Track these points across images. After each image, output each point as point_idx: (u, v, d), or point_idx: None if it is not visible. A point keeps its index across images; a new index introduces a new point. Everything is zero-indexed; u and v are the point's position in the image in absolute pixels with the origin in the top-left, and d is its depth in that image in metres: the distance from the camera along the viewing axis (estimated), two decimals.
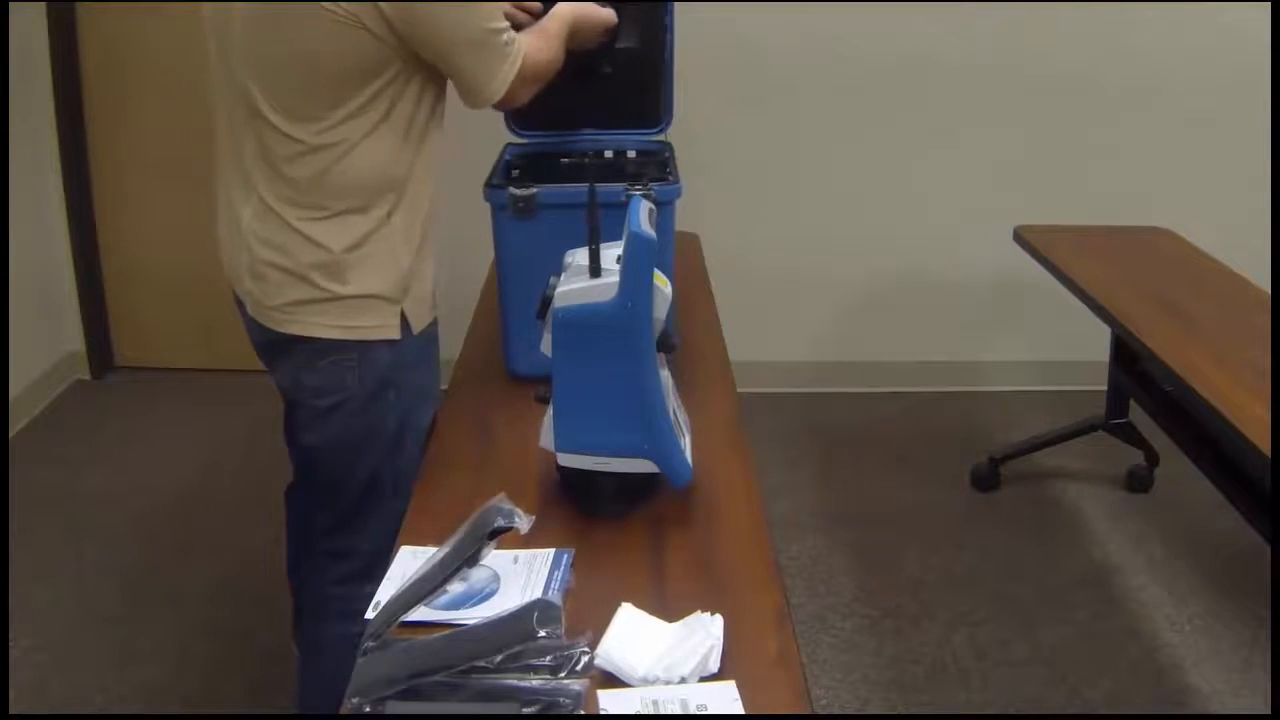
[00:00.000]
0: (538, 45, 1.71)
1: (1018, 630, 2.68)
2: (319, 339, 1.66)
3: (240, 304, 1.79)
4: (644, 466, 1.42)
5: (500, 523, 1.19)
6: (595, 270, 1.39)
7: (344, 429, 1.70)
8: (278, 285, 1.65)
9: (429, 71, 1.62)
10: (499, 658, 1.11)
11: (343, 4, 1.48)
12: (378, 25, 1.50)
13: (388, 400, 1.70)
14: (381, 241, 1.64)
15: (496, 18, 1.61)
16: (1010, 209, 3.33)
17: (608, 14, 1.89)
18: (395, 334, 1.67)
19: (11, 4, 3.43)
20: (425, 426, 1.75)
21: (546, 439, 1.44)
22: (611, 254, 1.38)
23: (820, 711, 2.39)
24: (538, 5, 1.91)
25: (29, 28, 3.59)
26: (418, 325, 1.71)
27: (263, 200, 1.63)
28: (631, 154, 2.05)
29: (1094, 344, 3.30)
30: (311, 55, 1.53)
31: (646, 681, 1.11)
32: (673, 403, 1.46)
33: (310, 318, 1.65)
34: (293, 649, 2.05)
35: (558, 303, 1.38)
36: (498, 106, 1.71)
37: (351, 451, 1.72)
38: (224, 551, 2.94)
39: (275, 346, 1.71)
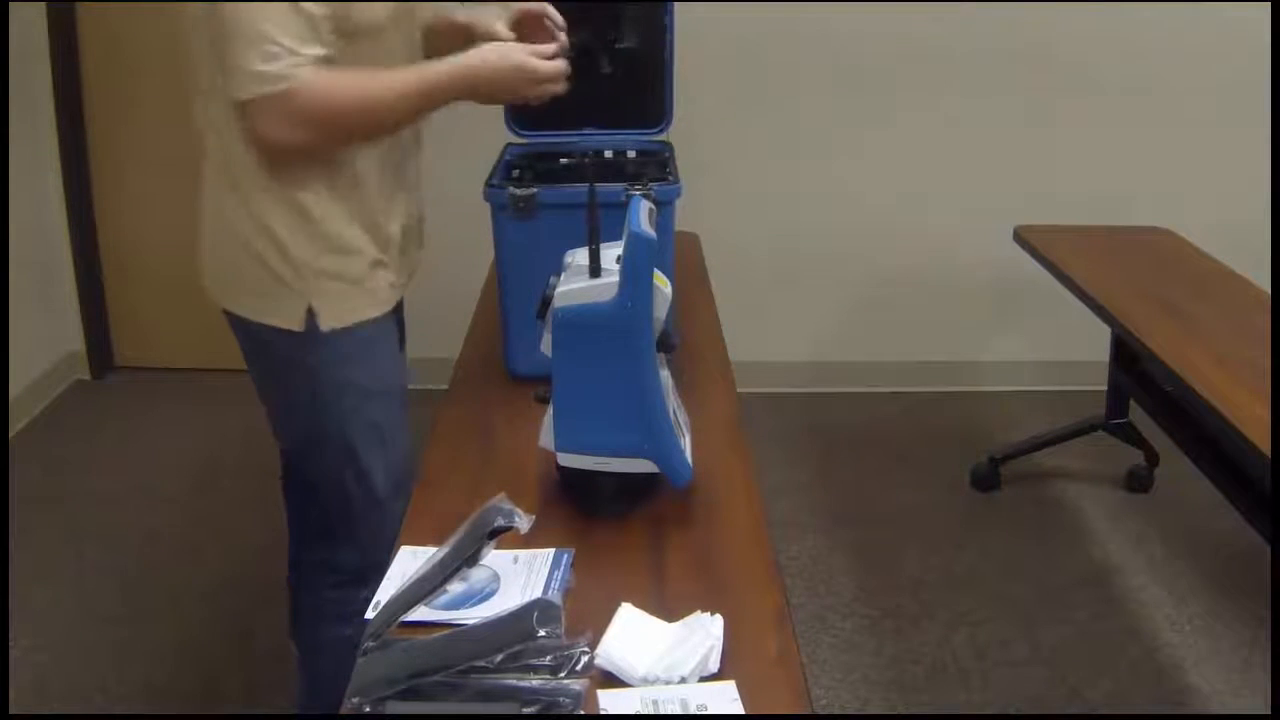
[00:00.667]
0: (345, 85, 1.54)
1: (1018, 630, 2.68)
2: (247, 322, 1.68)
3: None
4: (644, 466, 1.41)
5: (500, 522, 1.19)
6: (595, 270, 1.39)
7: (291, 426, 1.73)
8: (213, 257, 1.70)
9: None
10: (499, 658, 1.11)
11: None
12: None
13: (324, 399, 1.68)
14: (283, 227, 1.61)
15: (285, 28, 1.46)
16: (1010, 209, 3.33)
17: (547, 68, 1.64)
18: (297, 325, 1.64)
19: (11, 4, 3.43)
20: (388, 425, 1.73)
21: (546, 439, 1.44)
22: (611, 254, 1.38)
23: (820, 711, 2.39)
24: (539, 6, 1.82)
25: (29, 27, 3.59)
26: (329, 322, 1.65)
27: (205, 178, 1.67)
28: (631, 154, 2.05)
29: (1094, 344, 3.30)
30: (213, 38, 1.53)
31: (646, 681, 1.11)
32: (673, 403, 1.46)
33: (232, 293, 1.68)
34: (291, 649, 2.05)
35: (558, 303, 1.38)
36: (259, 142, 1.54)
37: (308, 450, 1.74)
38: (223, 551, 2.94)
39: (238, 338, 1.74)
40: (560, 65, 1.67)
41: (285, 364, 1.69)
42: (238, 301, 1.68)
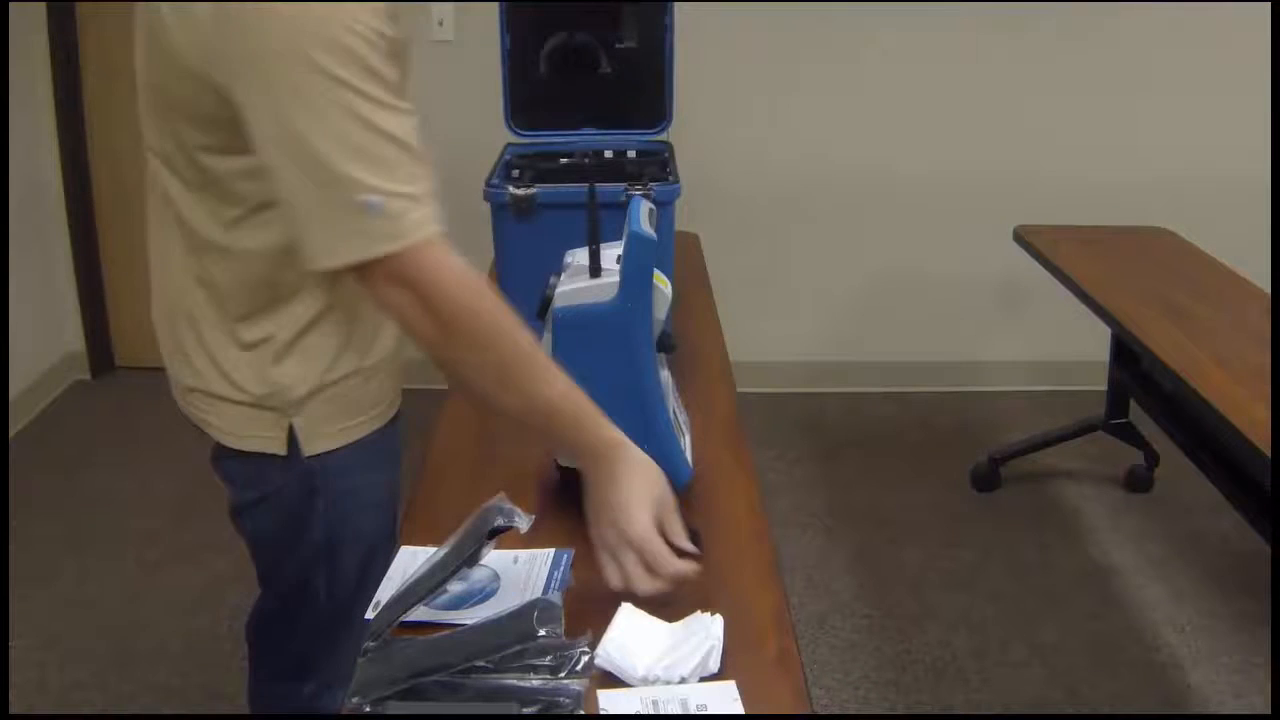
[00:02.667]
0: (499, 326, 1.17)
1: (1018, 630, 2.68)
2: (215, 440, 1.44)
3: None
4: None
5: (500, 522, 1.19)
6: (595, 270, 1.39)
7: (268, 526, 1.48)
8: (172, 362, 1.46)
9: None
10: (499, 658, 1.11)
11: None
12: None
13: (315, 507, 1.43)
14: (244, 341, 1.34)
15: (379, 165, 1.07)
16: (1010, 209, 3.33)
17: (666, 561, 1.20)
18: (280, 449, 1.38)
19: (11, 4, 3.43)
20: (374, 536, 1.49)
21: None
22: (611, 254, 1.38)
23: (820, 711, 2.39)
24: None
25: (29, 28, 3.59)
26: (314, 445, 1.38)
27: (160, 250, 1.39)
28: (631, 154, 2.05)
29: (1094, 344, 3.30)
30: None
31: (646, 681, 1.11)
32: (673, 403, 1.46)
33: (202, 411, 1.43)
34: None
35: (558, 303, 1.38)
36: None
37: (279, 551, 1.50)
38: (224, 551, 2.93)
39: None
40: (682, 569, 1.20)
41: (274, 466, 1.41)
42: (212, 426, 1.43)
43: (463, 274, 1.15)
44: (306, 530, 1.45)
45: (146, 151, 1.31)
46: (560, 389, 1.21)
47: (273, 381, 1.35)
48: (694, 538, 1.25)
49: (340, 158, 1.06)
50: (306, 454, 1.39)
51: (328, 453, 1.40)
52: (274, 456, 1.39)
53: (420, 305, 1.14)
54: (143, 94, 1.25)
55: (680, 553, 1.19)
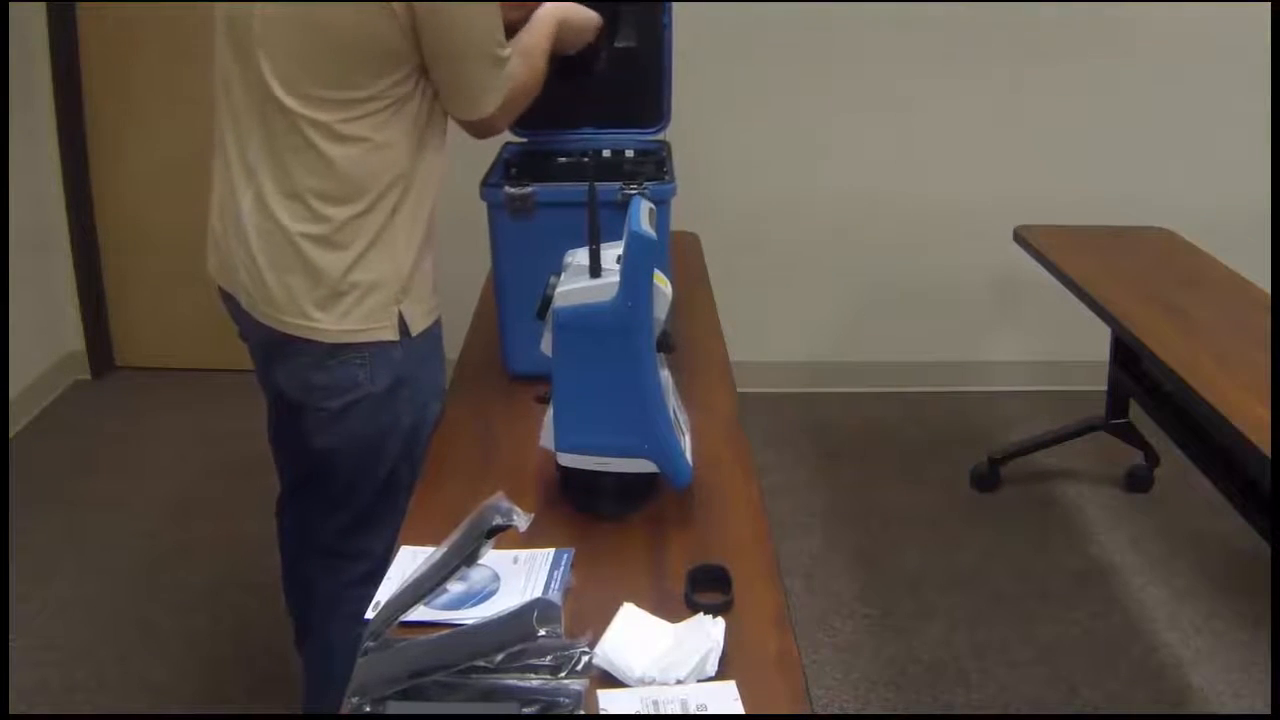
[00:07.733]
0: (520, 69, 1.70)
1: (1018, 630, 2.68)
2: (321, 341, 1.64)
3: (229, 300, 1.76)
4: (644, 466, 1.42)
5: (498, 521, 1.19)
6: (595, 270, 1.39)
7: (360, 429, 1.68)
8: (277, 281, 1.63)
9: None
10: (499, 658, 1.11)
11: None
12: (404, 17, 1.51)
13: (402, 397, 1.68)
14: (383, 240, 1.62)
15: (504, 38, 1.62)
16: (1010, 209, 3.33)
17: (595, 15, 1.88)
18: (393, 335, 1.65)
19: (11, 4, 3.43)
20: (435, 421, 1.74)
21: (546, 439, 1.44)
22: (612, 254, 1.38)
23: (820, 711, 2.39)
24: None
25: (29, 27, 3.59)
26: (416, 326, 1.68)
27: (264, 193, 1.60)
28: (629, 153, 2.05)
29: (1094, 344, 3.30)
30: (336, 43, 1.52)
31: (643, 682, 1.11)
32: (673, 403, 1.46)
33: (310, 317, 1.63)
34: (297, 659, 2.03)
35: (558, 303, 1.38)
36: (476, 130, 1.71)
37: (369, 451, 1.70)
38: (224, 551, 2.93)
39: (277, 346, 1.69)
40: (596, 15, 1.89)
41: (366, 367, 1.66)
42: (321, 330, 1.63)
43: (519, 79, 1.69)
44: (396, 421, 1.69)
45: (263, 106, 1.58)
46: (540, 60, 1.75)
47: (383, 270, 1.63)
48: (723, 575, 1.29)
49: (499, 34, 1.61)
50: (414, 334, 1.67)
51: (419, 335, 1.68)
52: (385, 344, 1.64)
53: (511, 110, 1.72)
54: (298, 41, 1.53)
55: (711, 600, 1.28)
